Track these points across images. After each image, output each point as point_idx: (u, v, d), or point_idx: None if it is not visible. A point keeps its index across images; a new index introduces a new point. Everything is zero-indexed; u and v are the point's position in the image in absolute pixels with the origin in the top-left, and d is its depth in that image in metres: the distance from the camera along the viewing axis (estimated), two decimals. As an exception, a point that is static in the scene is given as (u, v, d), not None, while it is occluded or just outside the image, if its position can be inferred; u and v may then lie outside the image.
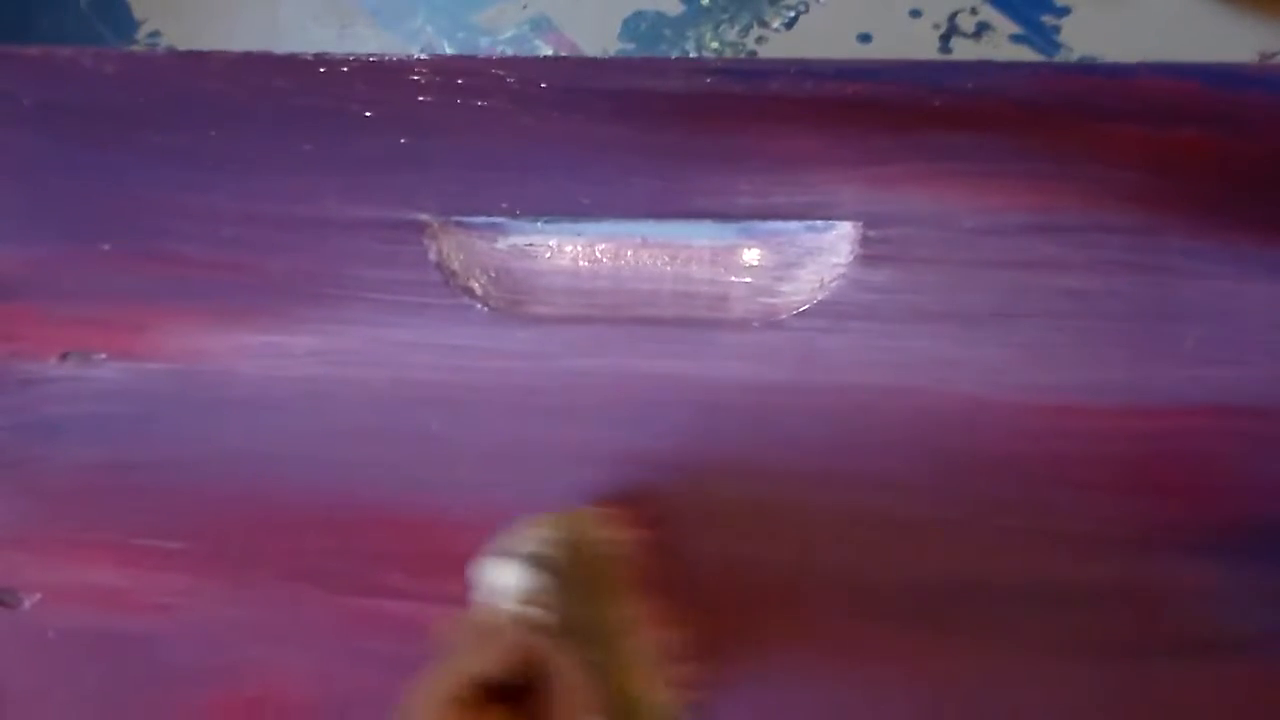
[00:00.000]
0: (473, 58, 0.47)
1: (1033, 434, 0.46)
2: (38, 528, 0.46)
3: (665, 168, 0.47)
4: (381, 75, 0.47)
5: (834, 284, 0.47)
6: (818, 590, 0.45)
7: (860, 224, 0.46)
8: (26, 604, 0.44)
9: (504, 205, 0.47)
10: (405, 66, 0.47)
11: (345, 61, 0.47)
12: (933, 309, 0.47)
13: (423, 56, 0.47)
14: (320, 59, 0.47)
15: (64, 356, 0.47)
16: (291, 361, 0.47)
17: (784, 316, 0.47)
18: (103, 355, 0.47)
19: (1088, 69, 0.44)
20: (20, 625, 0.44)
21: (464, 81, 0.47)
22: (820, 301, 0.47)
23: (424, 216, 0.47)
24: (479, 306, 0.47)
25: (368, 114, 0.47)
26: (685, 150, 0.47)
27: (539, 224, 0.47)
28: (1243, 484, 0.46)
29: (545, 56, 0.48)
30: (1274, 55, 0.60)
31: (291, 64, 0.47)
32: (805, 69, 0.46)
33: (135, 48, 0.64)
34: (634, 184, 0.47)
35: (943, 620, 0.45)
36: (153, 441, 0.47)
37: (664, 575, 0.46)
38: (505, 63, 0.47)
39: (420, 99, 0.47)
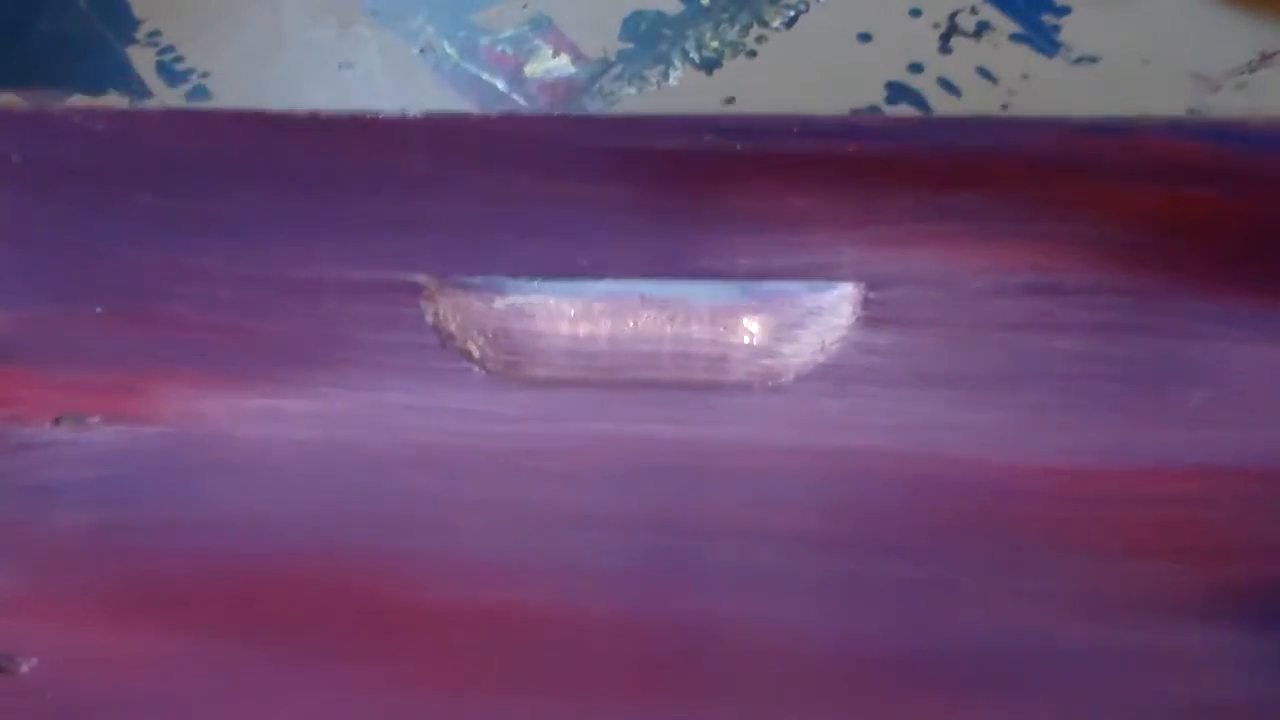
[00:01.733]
0: (467, 115, 0.44)
1: (1037, 496, 0.44)
2: (34, 592, 0.43)
3: (664, 228, 0.44)
4: (375, 135, 0.44)
5: (835, 346, 0.44)
6: (823, 654, 0.43)
7: (862, 285, 0.43)
8: (24, 668, 0.42)
9: (501, 266, 0.44)
10: (400, 125, 0.44)
11: (339, 121, 0.44)
12: (936, 371, 0.44)
13: (417, 115, 0.43)
14: (314, 118, 0.44)
15: (58, 420, 0.44)
16: (288, 425, 0.44)
17: (785, 379, 0.44)
18: (97, 419, 0.44)
19: (1094, 127, 0.40)
20: (18, 690, 0.43)
21: (459, 141, 0.44)
22: (821, 364, 0.44)
23: (420, 278, 0.44)
24: (477, 369, 0.44)
25: (362, 174, 0.43)
26: (684, 210, 0.44)
27: (536, 285, 0.44)
28: (1251, 547, 0.44)
29: (540, 115, 0.45)
30: (1274, 55, 0.57)
31: (284, 122, 0.44)
32: (806, 127, 0.43)
33: (135, 47, 0.60)
34: (632, 244, 0.44)
35: (948, 684, 0.43)
36: (149, 505, 0.44)
37: (667, 642, 0.43)
38: (500, 121, 0.44)
39: (415, 159, 0.43)
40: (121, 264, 0.44)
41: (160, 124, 0.44)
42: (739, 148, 0.43)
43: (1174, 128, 0.43)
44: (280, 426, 0.44)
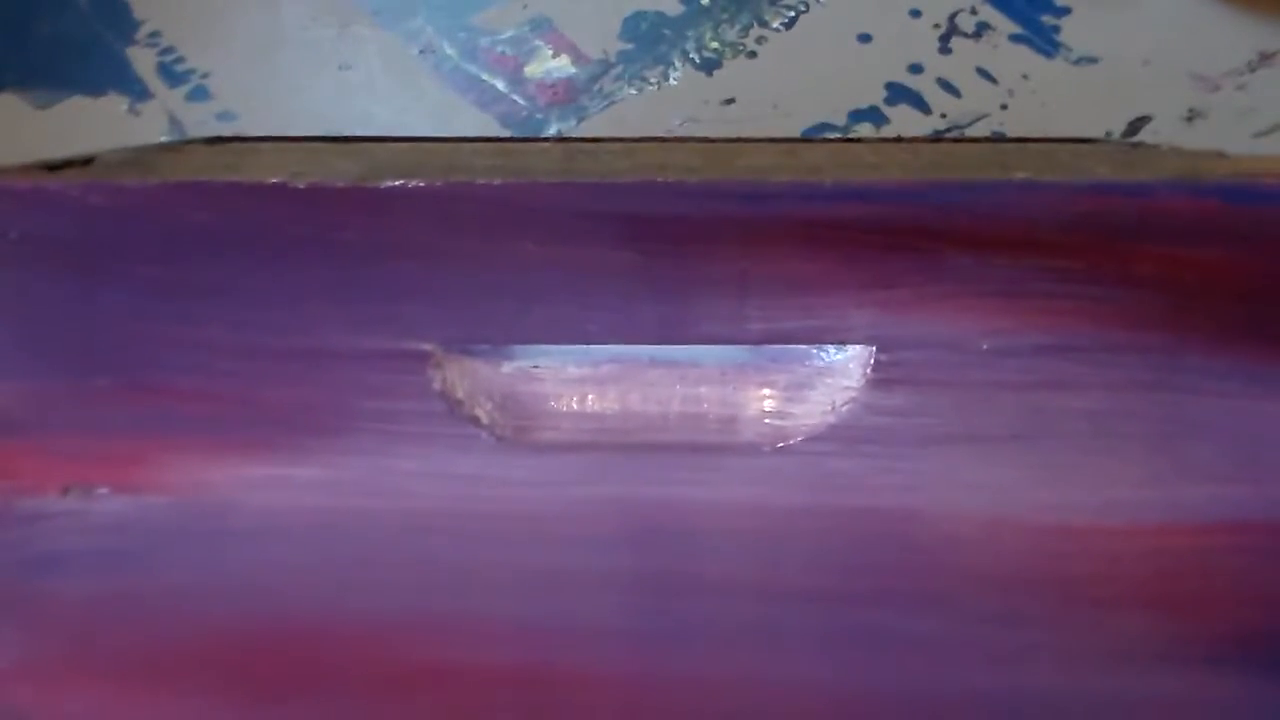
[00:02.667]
0: (471, 183, 0.42)
1: (1049, 553, 0.42)
2: (44, 661, 0.42)
3: (672, 292, 0.42)
4: (378, 202, 0.41)
5: (845, 407, 0.42)
6: (835, 713, 0.41)
7: (872, 347, 0.41)
8: (37, 737, 0.40)
9: (508, 333, 0.42)
10: (402, 193, 0.41)
11: (340, 189, 0.41)
12: (947, 431, 0.42)
13: (420, 184, 0.41)
14: (314, 187, 0.41)
15: (65, 491, 0.42)
16: (295, 493, 0.42)
17: (794, 440, 0.42)
18: (104, 489, 0.42)
19: (1104, 188, 0.38)
20: (32, 758, 0.40)
21: (463, 208, 0.41)
22: (831, 425, 0.42)
23: (426, 346, 0.42)
24: (485, 435, 0.42)
25: (365, 242, 0.41)
26: (692, 275, 0.42)
27: (544, 350, 0.42)
28: (1261, 599, 0.43)
29: (547, 182, 0.42)
30: (1274, 55, 0.54)
31: (284, 192, 0.42)
32: (815, 191, 0.41)
33: (135, 48, 0.58)
34: (640, 309, 0.42)
35: None
36: (158, 574, 0.42)
37: (678, 704, 0.41)
38: (506, 188, 0.42)
39: (418, 226, 0.41)
40: (124, 336, 0.42)
41: (159, 196, 0.42)
42: (747, 212, 0.40)
43: (1185, 187, 0.41)
44: (288, 494, 0.42)
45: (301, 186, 0.40)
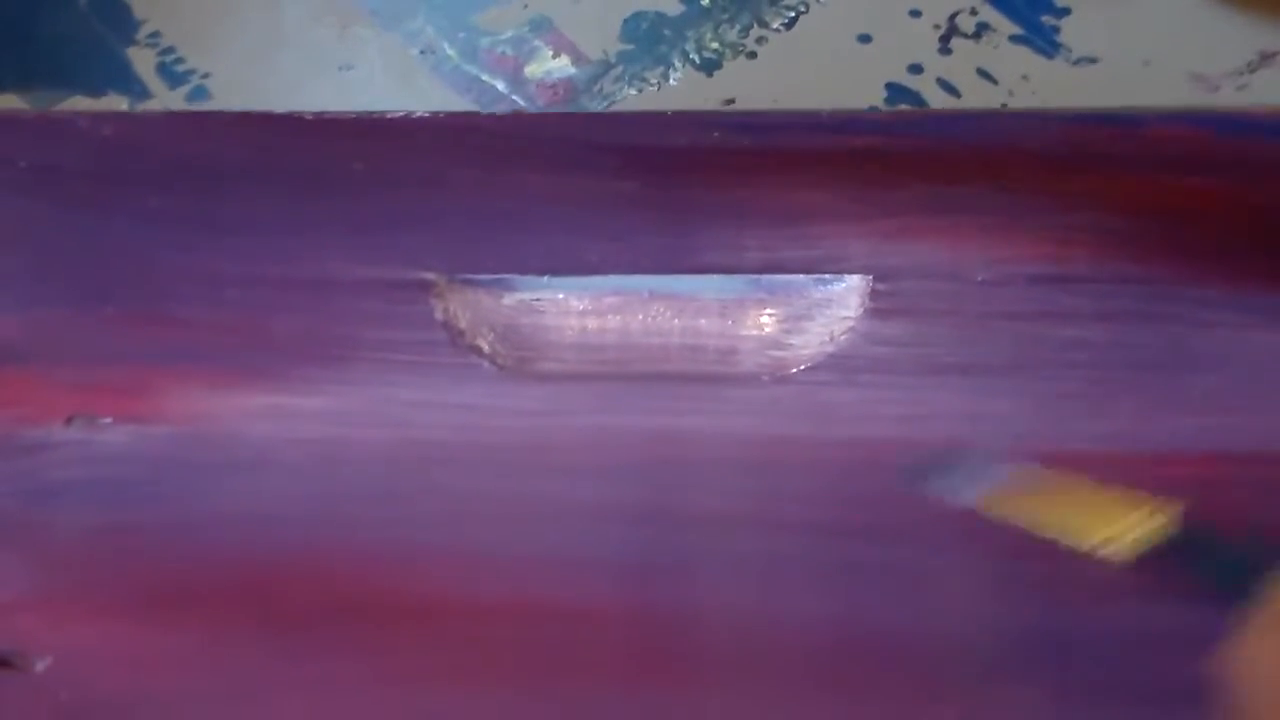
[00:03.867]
0: (474, 114, 0.44)
1: (1046, 484, 0.43)
2: (47, 591, 0.44)
3: (672, 223, 0.44)
4: (383, 134, 0.44)
5: (843, 337, 0.44)
6: (832, 643, 0.43)
7: (869, 277, 0.44)
8: (39, 667, 0.42)
9: (510, 263, 0.44)
10: (407, 125, 0.44)
11: (346, 120, 0.44)
12: (943, 361, 0.44)
13: (424, 115, 0.43)
14: (320, 118, 0.44)
15: (69, 421, 0.44)
16: (298, 422, 0.44)
17: (793, 370, 0.44)
18: (108, 419, 0.44)
19: (1099, 118, 0.41)
20: (32, 689, 0.42)
21: (467, 139, 0.44)
22: (829, 355, 0.44)
23: (429, 275, 0.44)
24: (486, 365, 0.44)
25: (370, 173, 0.44)
26: (692, 205, 0.44)
27: (546, 281, 0.45)
28: (1255, 530, 0.43)
29: (547, 113, 0.45)
30: (1274, 55, 0.57)
31: (291, 123, 0.44)
32: (814, 121, 0.44)
33: (135, 48, 0.60)
34: (640, 240, 0.44)
35: (960, 669, 0.44)
36: (160, 503, 0.44)
37: (678, 633, 0.43)
38: (508, 119, 0.44)
39: (423, 158, 0.44)
40: (130, 265, 0.44)
41: (167, 127, 0.45)
42: (746, 143, 0.43)
43: (1179, 118, 0.44)
44: (291, 424, 0.44)
45: (309, 118, 0.43)
